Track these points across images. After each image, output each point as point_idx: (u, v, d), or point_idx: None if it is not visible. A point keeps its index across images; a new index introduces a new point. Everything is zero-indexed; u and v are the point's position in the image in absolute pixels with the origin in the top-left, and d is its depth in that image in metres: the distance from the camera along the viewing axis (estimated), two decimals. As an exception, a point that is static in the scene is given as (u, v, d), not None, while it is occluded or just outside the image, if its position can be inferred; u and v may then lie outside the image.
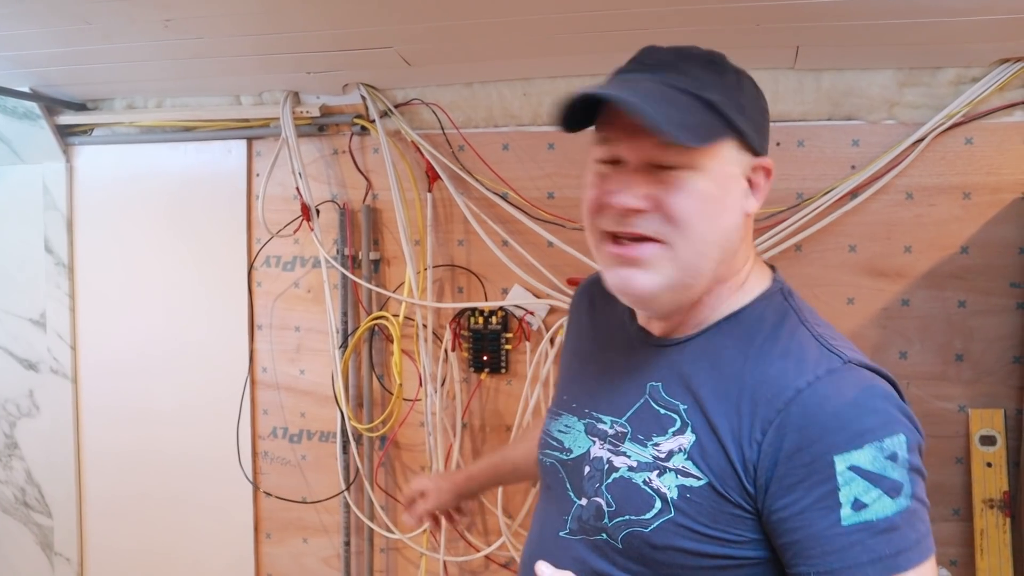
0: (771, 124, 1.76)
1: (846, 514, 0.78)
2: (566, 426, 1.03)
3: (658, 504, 0.87)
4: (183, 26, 1.59)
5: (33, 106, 2.12)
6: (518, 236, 1.94)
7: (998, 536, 1.69)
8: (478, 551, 2.00)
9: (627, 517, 0.90)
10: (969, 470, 1.73)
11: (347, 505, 2.08)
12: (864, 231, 1.77)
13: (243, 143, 2.13)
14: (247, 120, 2.10)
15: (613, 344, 1.03)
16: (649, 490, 0.88)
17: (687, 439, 0.87)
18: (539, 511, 1.08)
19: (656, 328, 0.97)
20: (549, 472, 1.04)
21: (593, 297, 1.12)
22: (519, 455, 1.40)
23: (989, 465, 1.71)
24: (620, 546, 0.91)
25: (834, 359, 0.85)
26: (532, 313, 1.95)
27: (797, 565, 0.82)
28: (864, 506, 0.78)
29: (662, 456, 0.89)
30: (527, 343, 1.96)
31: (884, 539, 0.78)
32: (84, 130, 2.23)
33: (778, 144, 1.80)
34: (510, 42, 1.66)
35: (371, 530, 2.09)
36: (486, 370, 1.99)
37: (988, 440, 1.72)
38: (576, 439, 1.00)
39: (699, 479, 0.86)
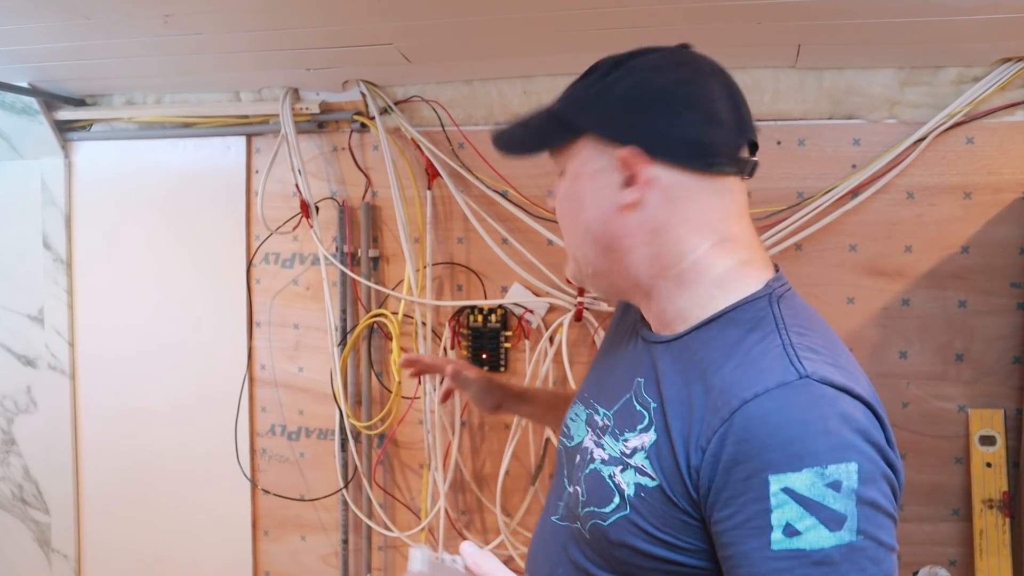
0: (772, 123, 1.78)
1: (776, 538, 0.74)
2: (576, 414, 1.05)
3: (616, 499, 0.87)
4: (183, 22, 1.58)
5: (32, 101, 2.11)
6: (518, 234, 1.93)
7: (997, 536, 1.69)
8: (476, 549, 1.99)
9: (592, 508, 0.90)
10: (969, 470, 1.73)
11: (345, 503, 2.08)
12: (865, 230, 1.77)
13: (242, 139, 2.12)
14: (246, 116, 2.09)
15: (623, 339, 1.04)
16: (611, 484, 0.89)
17: (649, 437, 0.86)
18: (547, 494, 1.11)
19: (650, 323, 0.97)
20: (557, 457, 1.08)
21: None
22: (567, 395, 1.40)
23: (989, 465, 1.71)
24: (588, 536, 0.92)
25: (790, 371, 0.78)
26: (532, 311, 1.94)
27: None
28: (797, 533, 0.73)
29: (627, 452, 0.88)
30: (526, 341, 1.96)
31: (816, 571, 0.72)
32: (83, 126, 2.22)
33: (779, 143, 1.79)
34: (510, 39, 1.66)
35: (369, 528, 2.09)
36: (485, 368, 1.98)
37: (988, 440, 1.72)
38: (578, 428, 1.02)
39: (653, 479, 0.84)
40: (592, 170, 0.91)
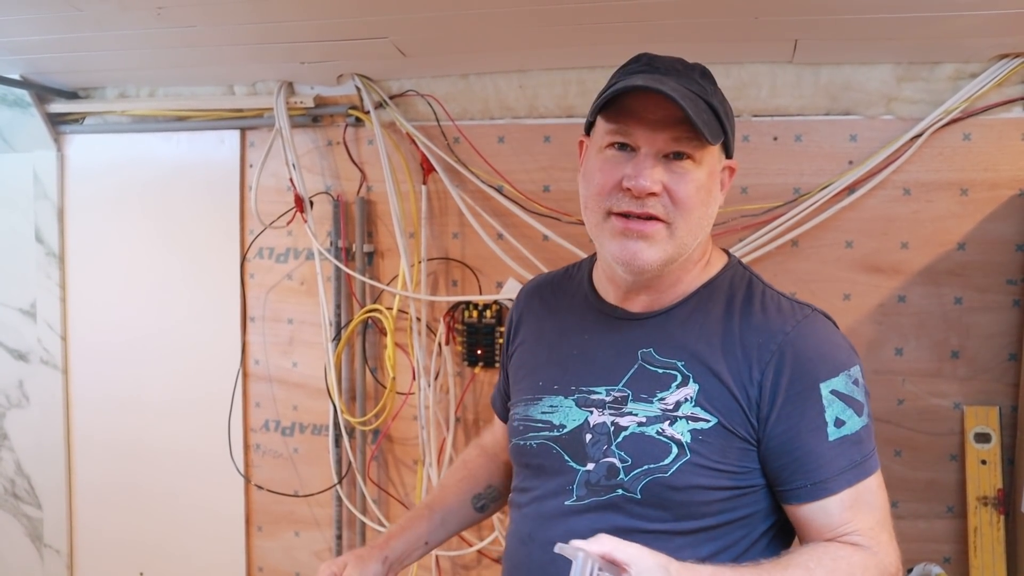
0: (769, 118, 1.78)
1: (831, 431, 0.98)
2: (551, 406, 1.10)
3: (674, 450, 0.99)
4: (175, 14, 1.57)
5: (23, 94, 2.10)
6: (513, 229, 1.92)
7: (991, 534, 1.69)
8: (470, 546, 1.99)
9: (646, 467, 1.00)
10: (963, 467, 1.73)
11: (339, 498, 2.07)
12: (861, 227, 1.76)
13: (236, 133, 2.11)
14: (240, 110, 2.08)
15: (585, 327, 1.13)
16: (664, 439, 1.00)
17: (691, 389, 1.01)
18: (527, 493, 1.11)
19: (638, 305, 1.09)
20: (538, 452, 1.09)
21: (543, 295, 1.23)
22: (449, 495, 1.30)
23: (984, 463, 1.71)
24: (639, 496, 1.00)
25: (805, 308, 1.05)
26: (527, 307, 1.93)
27: (794, 480, 0.99)
28: (843, 423, 0.98)
29: (670, 408, 1.01)
30: (521, 337, 1.95)
31: (856, 448, 0.98)
32: (75, 119, 2.20)
33: (775, 139, 1.79)
34: (506, 33, 1.65)
35: (363, 524, 2.08)
36: (480, 364, 1.98)
37: (983, 437, 1.71)
38: (567, 415, 1.08)
39: (708, 421, 1.00)
40: (716, 170, 1.05)
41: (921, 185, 1.73)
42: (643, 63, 1.04)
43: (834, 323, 1.07)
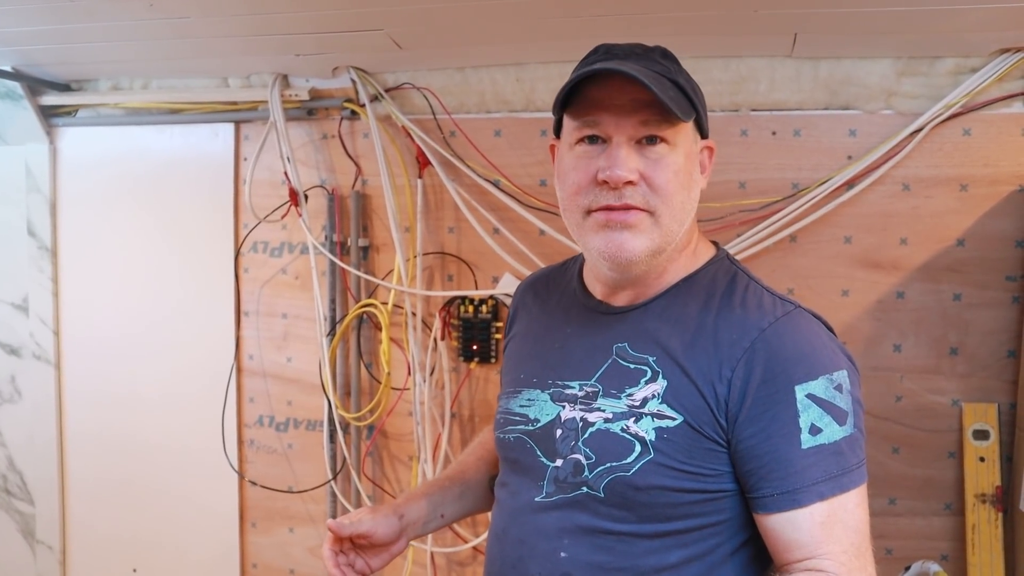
0: (768, 112, 1.77)
1: (805, 438, 0.91)
2: (528, 400, 1.09)
3: (637, 448, 0.95)
4: (168, 5, 1.55)
5: (15, 86, 2.08)
6: (509, 224, 1.91)
7: (990, 531, 1.69)
8: (466, 542, 1.98)
9: (608, 464, 0.96)
10: (962, 464, 1.72)
11: (334, 495, 2.06)
12: (860, 222, 1.75)
13: (230, 126, 2.10)
14: (235, 103, 2.06)
15: (569, 321, 1.10)
16: (628, 436, 0.96)
17: (659, 385, 0.97)
18: (505, 488, 1.10)
19: (622, 299, 1.05)
20: (514, 446, 1.08)
21: (537, 290, 1.21)
22: (469, 470, 1.26)
23: (982, 460, 1.70)
24: (602, 495, 0.97)
25: (788, 305, 0.98)
26: (523, 302, 1.92)
27: (762, 488, 0.92)
28: (819, 431, 0.91)
29: (637, 404, 0.97)
30: (517, 332, 1.94)
31: (833, 460, 0.91)
32: (68, 111, 2.19)
33: (774, 133, 1.78)
34: (503, 26, 1.63)
35: (358, 520, 2.07)
36: (476, 359, 1.96)
37: (981, 434, 1.71)
38: (542, 408, 1.06)
39: (674, 419, 0.95)
40: (693, 151, 1.01)
41: (920, 181, 1.72)
42: (601, 53, 1.00)
43: (825, 324, 1.00)
